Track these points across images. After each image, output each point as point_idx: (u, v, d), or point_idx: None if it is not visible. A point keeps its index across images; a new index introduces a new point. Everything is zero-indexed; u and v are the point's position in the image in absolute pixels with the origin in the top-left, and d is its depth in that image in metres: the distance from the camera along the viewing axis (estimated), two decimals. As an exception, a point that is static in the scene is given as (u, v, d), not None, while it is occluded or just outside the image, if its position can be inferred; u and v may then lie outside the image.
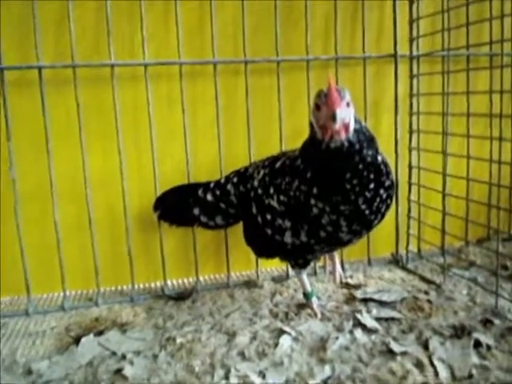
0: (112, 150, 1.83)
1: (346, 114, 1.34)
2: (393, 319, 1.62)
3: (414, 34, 2.04)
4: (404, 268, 2.10)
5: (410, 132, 2.09)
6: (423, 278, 1.96)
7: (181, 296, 1.89)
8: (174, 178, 1.90)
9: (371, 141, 1.42)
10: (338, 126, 1.32)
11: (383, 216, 1.52)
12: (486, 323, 1.56)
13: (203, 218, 1.80)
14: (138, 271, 1.95)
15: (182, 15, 1.83)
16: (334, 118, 1.31)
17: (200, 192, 1.80)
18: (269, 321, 1.65)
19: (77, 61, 1.74)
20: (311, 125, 1.42)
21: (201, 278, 2.03)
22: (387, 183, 1.45)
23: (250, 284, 1.98)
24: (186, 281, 2.05)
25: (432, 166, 2.01)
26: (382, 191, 1.44)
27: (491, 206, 1.82)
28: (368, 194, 1.42)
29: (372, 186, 1.41)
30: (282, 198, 1.52)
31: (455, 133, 1.90)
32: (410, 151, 2.10)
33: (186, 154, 1.89)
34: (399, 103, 2.01)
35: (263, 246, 1.69)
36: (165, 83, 1.91)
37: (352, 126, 1.37)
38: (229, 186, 1.75)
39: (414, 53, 2.04)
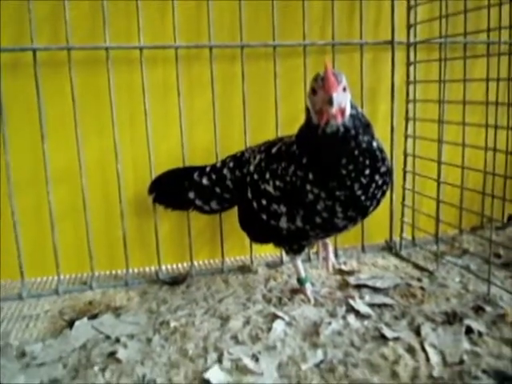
0: (107, 134, 1.82)
1: (342, 99, 1.34)
2: (385, 305, 1.63)
3: (412, 20, 2.02)
4: (397, 255, 2.10)
5: (406, 119, 2.08)
6: (416, 265, 1.97)
7: (175, 281, 1.89)
8: (170, 162, 1.88)
9: (367, 127, 1.42)
10: (334, 110, 1.32)
11: (378, 202, 1.52)
12: (478, 310, 1.56)
13: (198, 202, 1.80)
14: (133, 256, 1.95)
15: (179, 8, 1.81)
16: (330, 101, 1.30)
17: (196, 176, 1.79)
18: (262, 306, 1.66)
19: (71, 44, 1.72)
20: (307, 110, 1.42)
21: (195, 263, 2.03)
22: (383, 169, 1.45)
23: (244, 269, 1.98)
24: (180, 266, 2.06)
25: (427, 153, 2.01)
26: (377, 177, 1.44)
27: (485, 194, 1.82)
28: (364, 180, 1.41)
29: (367, 171, 1.41)
30: (277, 183, 1.52)
31: (451, 121, 1.90)
32: (405, 138, 2.09)
33: (182, 138, 1.88)
34: (396, 90, 2.01)
35: (258, 231, 1.69)
36: (161, 68, 1.89)
37: (348, 111, 1.37)
38: (225, 171, 1.75)
39: (412, 40, 2.03)
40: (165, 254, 1.98)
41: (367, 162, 1.40)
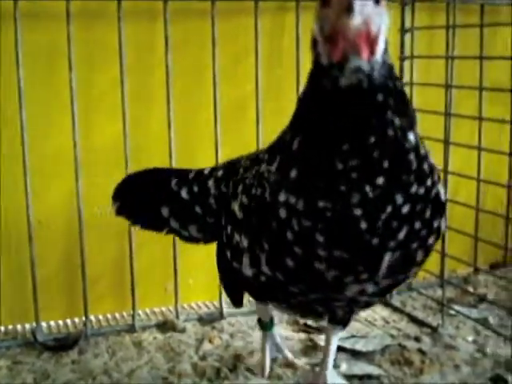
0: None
1: (372, 15, 1.10)
2: (370, 377, 1.66)
3: (409, -31, 2.10)
4: (387, 304, 2.16)
5: (400, 110, 2.14)
6: (413, 319, 2.03)
7: (62, 344, 1.87)
8: (55, 172, 1.89)
9: (403, 101, 1.20)
10: (356, 22, 1.07)
11: (404, 247, 1.25)
12: (498, 382, 1.63)
13: (174, 224, 1.76)
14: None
15: None
16: (350, 8, 1.05)
17: (173, 184, 1.74)
18: (192, 381, 1.66)
19: None
20: (314, 44, 1.19)
21: (92, 318, 2.02)
22: (415, 188, 1.21)
23: (165, 326, 1.99)
24: (69, 322, 2.04)
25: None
26: (399, 197, 1.20)
27: (510, 218, 1.89)
28: (379, 181, 1.18)
29: (381, 180, 1.18)
30: (244, 198, 1.43)
31: (462, 114, 1.98)
32: (399, 137, 2.16)
33: (74, 130, 1.87)
34: (385, 68, 2.08)
35: (227, 279, 1.65)
36: (44, 26, 1.89)
37: (381, 47, 1.14)
38: (210, 182, 1.68)
39: (408, -4, 2.11)
40: (45, 302, 1.95)
41: (386, 159, 1.17)
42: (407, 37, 2.13)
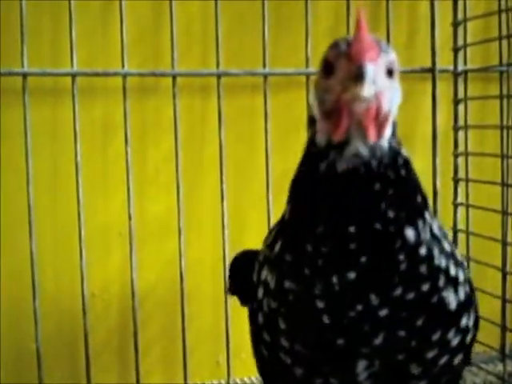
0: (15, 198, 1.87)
1: (384, 90, 0.95)
2: None
3: (461, 40, 2.11)
4: (447, 380, 2.11)
5: (455, 181, 2.13)
6: (474, 396, 1.98)
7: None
8: (108, 243, 1.94)
9: (407, 190, 1.06)
10: (367, 92, 0.91)
11: (385, 356, 1.06)
12: None
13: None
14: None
15: (127, 12, 1.88)
16: (360, 75, 0.90)
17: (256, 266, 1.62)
18: None
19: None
20: (310, 122, 1.06)
21: (144, 391, 2.03)
22: (424, 288, 1.04)
23: (216, 401, 1.99)
24: (121, 394, 2.06)
25: (487, 230, 2.03)
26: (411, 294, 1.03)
27: None
28: (351, 276, 1.01)
29: (363, 261, 1.00)
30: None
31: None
32: (455, 208, 2.13)
33: (129, 206, 1.91)
34: (438, 139, 2.07)
35: None
36: (100, 101, 1.96)
37: (389, 129, 1.01)
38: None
39: (460, 67, 2.11)
40: (96, 374, 1.95)
41: (365, 255, 1.01)
42: (461, 107, 2.14)
